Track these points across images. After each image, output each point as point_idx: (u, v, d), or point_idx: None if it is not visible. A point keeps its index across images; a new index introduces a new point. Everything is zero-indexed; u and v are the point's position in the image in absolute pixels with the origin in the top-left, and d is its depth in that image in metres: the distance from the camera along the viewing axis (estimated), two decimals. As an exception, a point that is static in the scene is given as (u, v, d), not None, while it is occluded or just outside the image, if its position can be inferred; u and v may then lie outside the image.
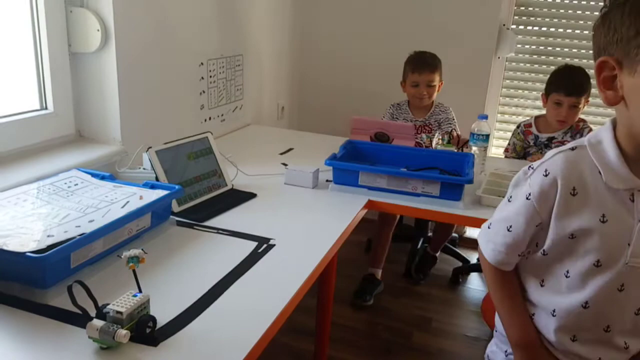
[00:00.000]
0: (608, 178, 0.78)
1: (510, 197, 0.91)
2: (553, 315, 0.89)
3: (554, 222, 0.84)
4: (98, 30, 1.52)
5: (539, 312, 0.93)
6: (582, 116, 2.32)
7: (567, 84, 2.20)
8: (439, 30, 2.74)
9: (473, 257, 2.85)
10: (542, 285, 0.91)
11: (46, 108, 1.56)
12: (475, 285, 2.72)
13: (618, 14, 0.73)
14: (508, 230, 0.90)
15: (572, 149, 0.84)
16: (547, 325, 0.91)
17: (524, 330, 0.93)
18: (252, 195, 1.58)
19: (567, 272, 0.85)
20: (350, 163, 1.69)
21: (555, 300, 0.89)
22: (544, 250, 0.88)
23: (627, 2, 0.73)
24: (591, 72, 2.32)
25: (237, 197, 1.55)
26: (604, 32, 0.76)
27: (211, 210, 1.43)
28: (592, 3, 2.67)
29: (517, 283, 0.96)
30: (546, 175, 0.83)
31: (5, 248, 0.95)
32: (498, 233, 0.92)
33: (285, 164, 1.83)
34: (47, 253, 0.94)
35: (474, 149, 1.86)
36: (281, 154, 2.05)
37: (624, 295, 0.81)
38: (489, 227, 0.97)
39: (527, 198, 0.86)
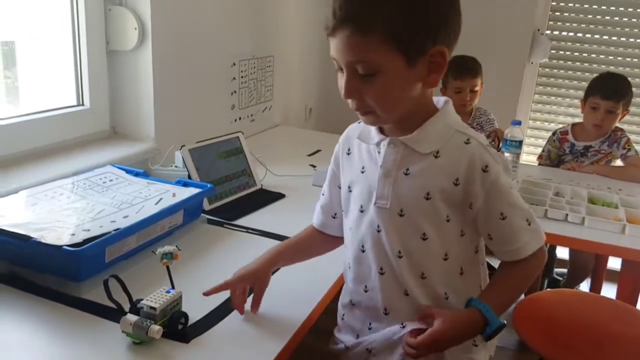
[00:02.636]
0: (361, 137, 0.94)
1: None
2: (350, 268, 0.99)
3: (341, 179, 1.00)
4: (135, 28, 1.54)
5: (346, 271, 1.01)
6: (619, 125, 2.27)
7: (604, 87, 2.16)
8: (472, 34, 2.68)
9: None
10: (345, 247, 1.01)
11: (83, 104, 1.59)
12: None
13: None
14: (322, 194, 1.07)
15: (359, 122, 0.97)
16: (347, 278, 1.00)
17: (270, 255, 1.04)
18: (280, 196, 1.58)
19: (351, 225, 0.97)
20: (380, 166, 1.68)
21: (347, 253, 0.99)
22: (341, 210, 1.01)
23: None
24: (632, 80, 2.27)
25: (266, 197, 1.56)
26: None
27: (241, 210, 1.44)
28: (629, 9, 2.61)
29: (307, 245, 1.09)
30: (338, 143, 1.02)
31: (42, 241, 0.97)
32: (319, 201, 1.08)
33: (313, 166, 1.83)
34: (84, 247, 0.96)
35: (507, 155, 1.83)
36: (309, 155, 2.05)
37: (383, 236, 0.91)
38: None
39: (330, 165, 1.04)
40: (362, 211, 0.93)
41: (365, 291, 0.96)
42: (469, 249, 0.93)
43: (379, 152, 0.91)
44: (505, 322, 0.88)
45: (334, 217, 1.05)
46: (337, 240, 1.06)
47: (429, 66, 0.83)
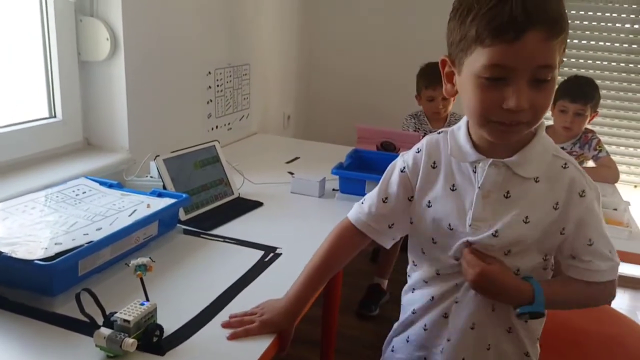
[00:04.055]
0: (454, 153, 0.92)
1: (384, 176, 1.02)
2: (431, 282, 0.98)
3: (417, 192, 0.96)
4: (107, 39, 1.53)
5: (418, 284, 1.01)
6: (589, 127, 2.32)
7: (572, 91, 2.21)
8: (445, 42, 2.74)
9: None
10: (415, 265, 1.02)
11: (55, 116, 1.57)
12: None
13: (452, 19, 0.85)
14: (384, 201, 0.99)
15: (439, 133, 0.97)
16: (425, 293, 0.99)
17: (298, 300, 1.00)
18: (258, 204, 1.58)
19: (433, 239, 0.95)
20: (357, 172, 1.69)
21: (421, 268, 0.99)
22: (411, 219, 0.98)
23: (457, 9, 0.83)
24: (601, 82, 2.32)
25: (244, 206, 1.55)
26: (447, 34, 0.88)
27: (218, 219, 1.43)
28: (598, 14, 2.67)
29: (342, 261, 1.05)
30: (418, 152, 0.97)
31: (13, 255, 0.96)
32: (372, 205, 1.00)
33: (291, 173, 1.83)
34: (55, 261, 0.94)
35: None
36: (287, 162, 2.05)
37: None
38: (362, 203, 1.03)
39: (402, 171, 0.98)
40: (450, 229, 0.92)
41: (456, 302, 0.95)
42: (543, 269, 0.94)
43: (474, 171, 0.90)
44: (545, 313, 0.88)
45: (390, 227, 1.00)
46: (366, 242, 1.03)
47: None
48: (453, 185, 0.92)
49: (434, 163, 0.94)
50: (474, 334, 0.95)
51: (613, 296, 0.93)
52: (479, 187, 0.88)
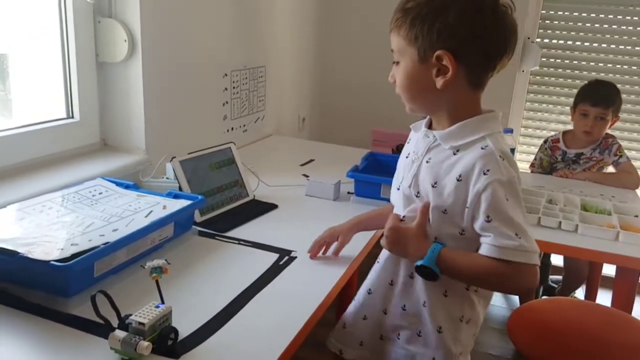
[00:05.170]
0: (415, 127, 1.09)
1: None
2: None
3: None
4: (125, 40, 1.54)
5: None
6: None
7: (593, 94, 2.18)
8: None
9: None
10: None
11: (72, 117, 1.58)
12: (498, 303, 2.67)
13: None
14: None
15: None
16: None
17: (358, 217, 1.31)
18: (273, 206, 1.57)
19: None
20: (372, 175, 1.67)
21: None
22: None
23: None
24: (622, 87, 2.29)
25: (259, 208, 1.55)
26: None
27: (233, 221, 1.43)
28: (618, 17, 2.63)
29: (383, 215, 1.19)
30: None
31: (30, 256, 0.96)
32: None
33: (306, 176, 1.82)
34: (71, 262, 0.94)
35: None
36: (302, 165, 2.04)
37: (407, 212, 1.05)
38: None
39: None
40: (398, 189, 1.06)
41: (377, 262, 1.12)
42: (465, 244, 0.96)
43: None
44: (438, 273, 0.94)
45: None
46: None
47: (438, 67, 0.93)
48: (408, 154, 1.06)
49: (410, 139, 1.11)
50: (394, 290, 1.07)
51: (531, 283, 0.91)
52: (414, 152, 1.03)
